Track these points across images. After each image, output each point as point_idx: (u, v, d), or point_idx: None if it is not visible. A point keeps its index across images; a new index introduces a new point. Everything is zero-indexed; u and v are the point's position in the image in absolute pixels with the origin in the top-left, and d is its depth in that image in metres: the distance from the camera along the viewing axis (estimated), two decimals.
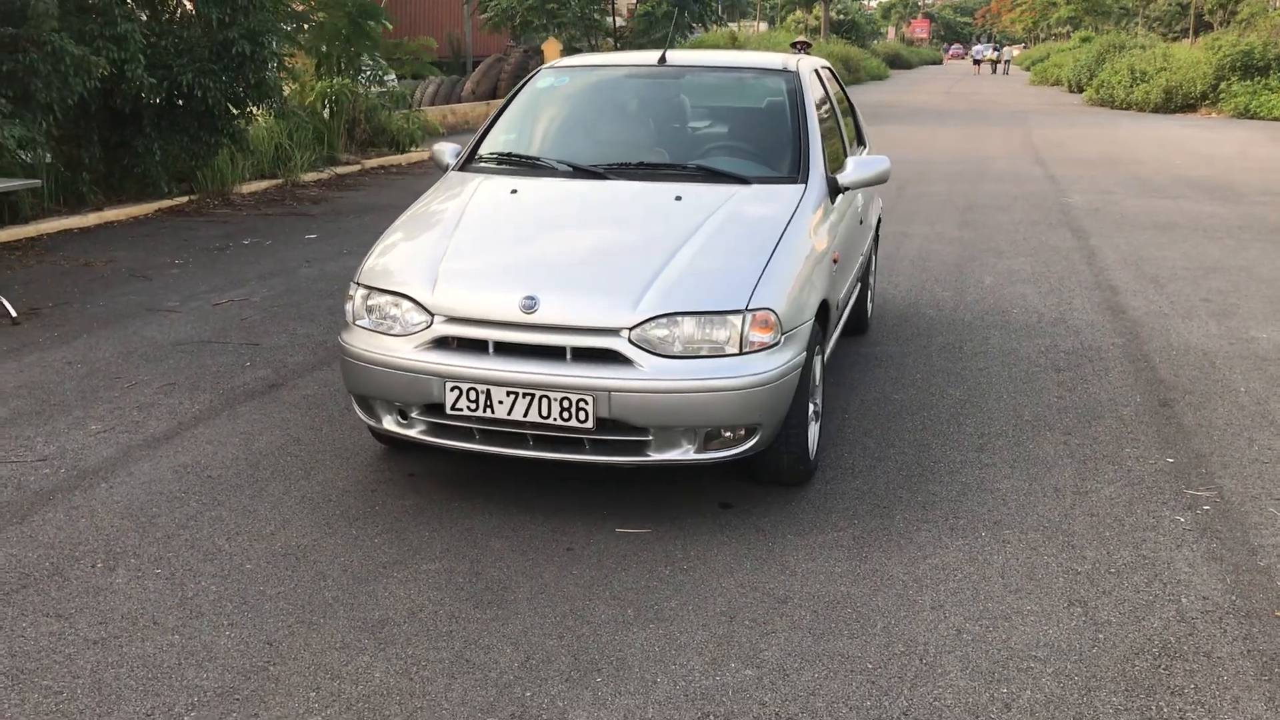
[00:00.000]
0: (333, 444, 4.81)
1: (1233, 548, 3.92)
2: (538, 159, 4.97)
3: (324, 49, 14.37)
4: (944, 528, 4.05)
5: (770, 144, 4.99)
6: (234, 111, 11.19)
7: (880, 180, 4.92)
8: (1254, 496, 4.35)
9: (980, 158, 17.05)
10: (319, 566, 3.73)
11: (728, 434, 3.95)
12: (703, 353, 3.85)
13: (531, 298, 3.87)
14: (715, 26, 34.27)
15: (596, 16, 27.46)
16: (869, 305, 6.72)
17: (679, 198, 4.46)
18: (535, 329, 3.86)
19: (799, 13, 64.02)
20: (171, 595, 3.54)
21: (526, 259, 4.15)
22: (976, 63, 70.15)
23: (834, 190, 4.83)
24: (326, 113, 14.79)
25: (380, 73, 15.50)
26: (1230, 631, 3.36)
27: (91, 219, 10.52)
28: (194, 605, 3.48)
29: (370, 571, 3.70)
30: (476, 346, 3.93)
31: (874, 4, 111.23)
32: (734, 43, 32.55)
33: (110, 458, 4.66)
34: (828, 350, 4.92)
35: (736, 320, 3.85)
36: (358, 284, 4.22)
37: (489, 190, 4.74)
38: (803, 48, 19.97)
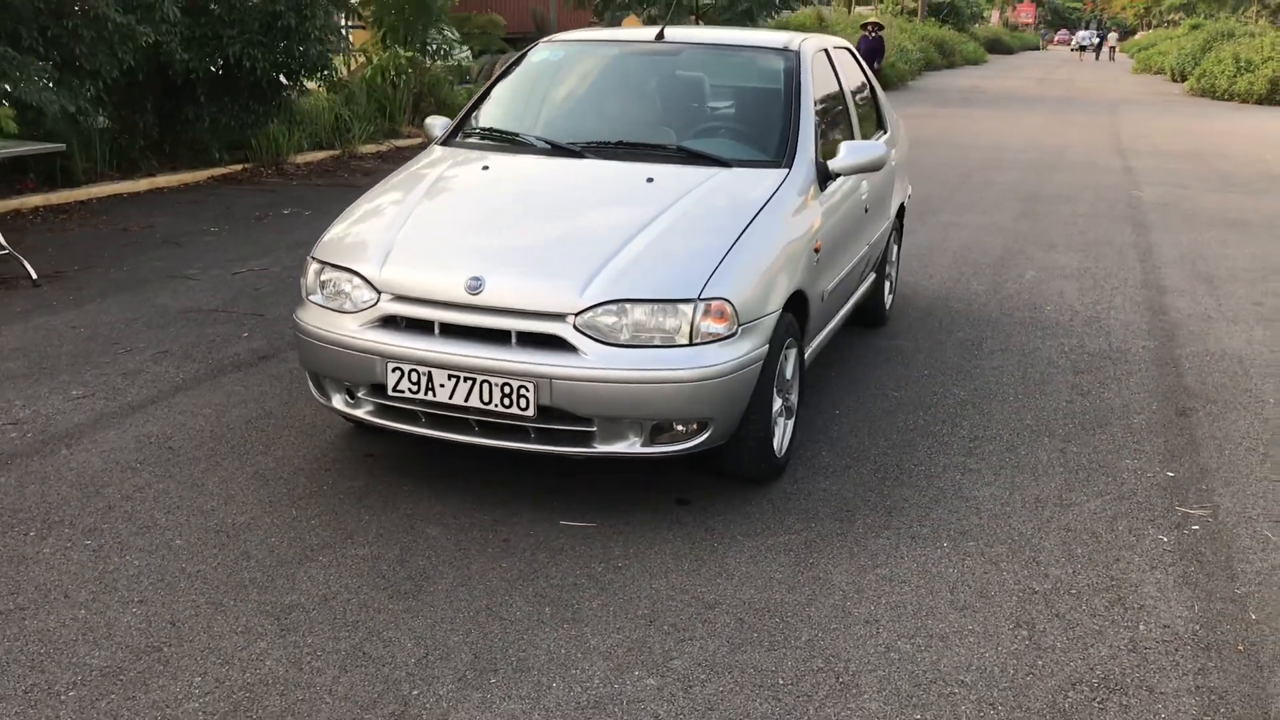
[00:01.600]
0: (301, 420, 4.74)
1: (1212, 573, 3.64)
2: (517, 135, 4.83)
3: (386, 22, 14.35)
4: (904, 536, 3.84)
5: (760, 125, 4.78)
6: (284, 83, 11.23)
7: (874, 167, 4.68)
8: (1250, 518, 4.05)
9: (1057, 147, 16.47)
10: (247, 546, 3.66)
11: (679, 428, 3.79)
12: (655, 342, 3.69)
13: (478, 278, 3.74)
14: (802, 6, 33.68)
15: None
16: (888, 297, 6.47)
17: (650, 179, 4.29)
18: (480, 311, 3.73)
19: None
20: (92, 568, 3.49)
21: (479, 239, 4.01)
22: (1083, 49, 68.19)
23: (824, 176, 4.60)
24: (390, 86, 14.80)
25: (447, 47, 15.45)
26: (1183, 665, 3.11)
27: (143, 184, 10.66)
28: (110, 580, 3.43)
29: (297, 554, 3.62)
30: (423, 327, 3.82)
31: None
32: (820, 24, 31.90)
33: (80, 424, 4.66)
34: (814, 343, 4.72)
35: (688, 309, 3.68)
36: (313, 258, 4.13)
37: (460, 167, 4.62)
38: (874, 29, 19.60)
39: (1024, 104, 26.03)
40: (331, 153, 13.21)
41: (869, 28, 20.15)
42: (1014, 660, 3.12)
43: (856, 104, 5.62)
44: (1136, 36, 79.15)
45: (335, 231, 4.23)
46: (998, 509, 4.07)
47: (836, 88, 5.34)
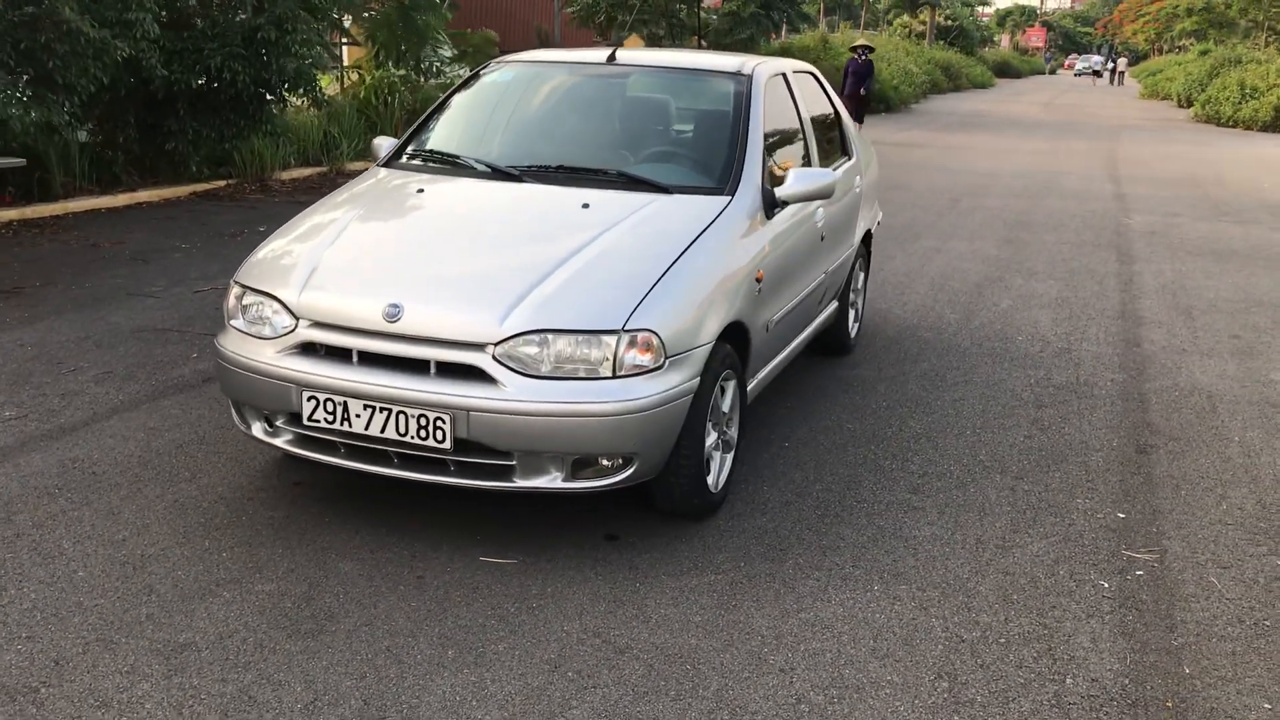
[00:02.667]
0: (233, 446, 4.63)
1: (1150, 622, 3.50)
2: (458, 158, 4.72)
3: (379, 39, 14.31)
4: (834, 577, 3.70)
5: (705, 150, 4.67)
6: (268, 97, 11.17)
7: (822, 195, 4.56)
8: (1199, 563, 3.91)
9: (1052, 173, 16.34)
10: (150, 580, 3.54)
11: (604, 462, 3.67)
12: (579, 374, 3.57)
13: (396, 305, 3.63)
14: (806, 29, 33.68)
15: (682, 16, 27.11)
16: (853, 326, 6.34)
17: (586, 205, 4.18)
18: (398, 339, 3.62)
19: (905, 17, 62.76)
20: None
21: (402, 265, 3.90)
22: (1095, 74, 68.21)
23: (771, 203, 4.49)
24: (382, 104, 14.75)
25: (439, 64, 15.40)
26: None
27: (122, 199, 10.60)
28: (1, 613, 3.31)
29: (200, 588, 3.49)
30: (342, 355, 3.71)
31: (990, 10, 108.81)
32: (824, 46, 31.86)
33: (5, 447, 4.55)
34: (759, 375, 4.60)
35: (611, 341, 3.56)
36: (234, 281, 4.02)
37: (393, 190, 4.52)
38: (863, 51, 19.38)
39: (1024, 129, 25.93)
40: (319, 169, 13.15)
41: (858, 50, 19.41)
42: (930, 715, 2.98)
43: (817, 130, 5.50)
44: (1147, 61, 79.03)
45: (259, 255, 4.13)
46: (936, 550, 3.93)
47: (793, 113, 5.23)
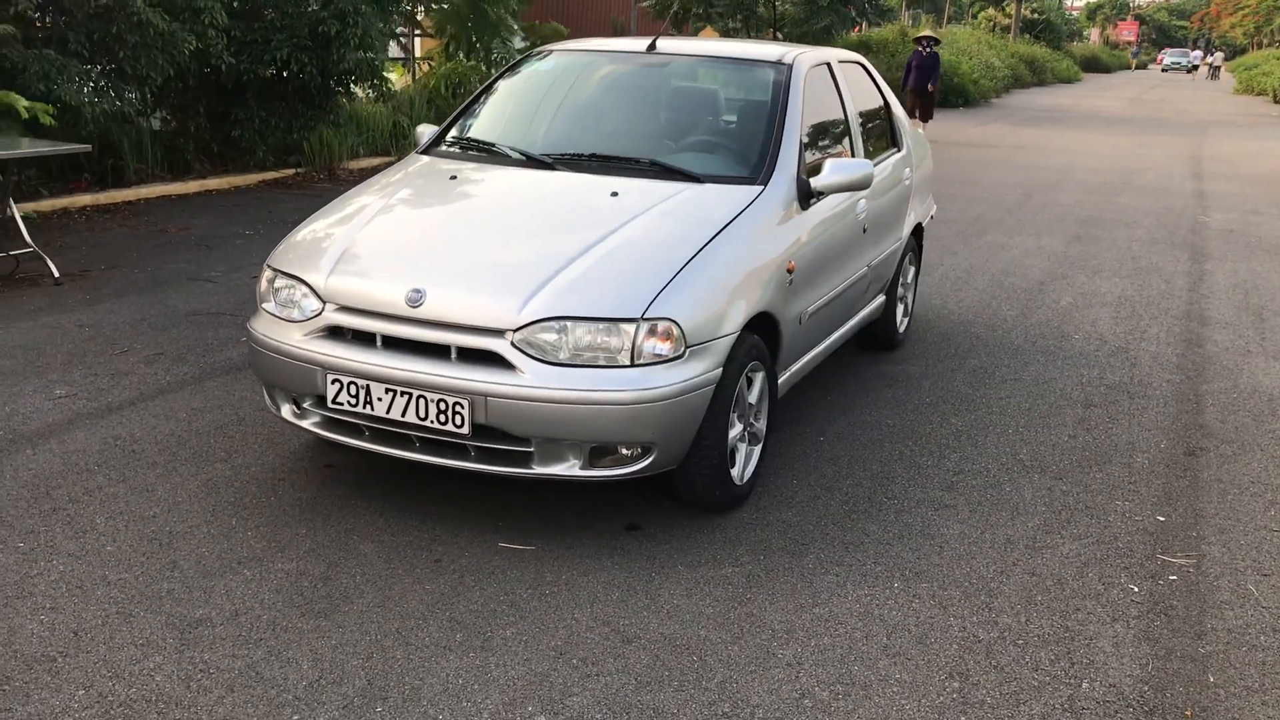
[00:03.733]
0: (269, 428, 4.70)
1: (1178, 629, 3.39)
2: (493, 146, 4.74)
3: (450, 31, 14.45)
4: (854, 573, 3.65)
5: (740, 140, 4.63)
6: (337, 89, 11.34)
7: (860, 186, 4.49)
8: (1237, 569, 3.78)
9: (1131, 169, 15.94)
10: (175, 555, 3.61)
11: (623, 451, 3.65)
12: (597, 362, 3.56)
13: (419, 290, 3.65)
14: (884, 22, 33.27)
15: (758, 10, 26.94)
16: (902, 320, 6.25)
17: (615, 194, 4.16)
18: (420, 324, 3.64)
19: (990, 10, 61.68)
20: (15, 572, 3.47)
21: (427, 251, 3.92)
22: (1191, 70, 66.68)
23: (806, 194, 4.43)
24: (451, 95, 14.89)
25: (508, 56, 15.50)
26: None
27: (193, 186, 10.84)
28: (29, 585, 3.40)
29: (222, 566, 3.55)
30: (367, 339, 3.75)
31: (1079, 4, 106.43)
32: (904, 39, 31.42)
33: (53, 424, 4.67)
34: (793, 368, 4.55)
35: (630, 329, 3.54)
36: (267, 265, 4.08)
37: (427, 176, 4.55)
38: (928, 43, 18.34)
39: (1107, 124, 25.32)
40: (387, 159, 13.29)
41: (922, 41, 18.10)
42: (936, 715, 2.92)
43: (863, 120, 5.42)
44: (1244, 56, 76.69)
45: (293, 239, 4.18)
46: (963, 549, 3.86)
47: (836, 103, 5.15)
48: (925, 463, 4.63)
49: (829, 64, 5.23)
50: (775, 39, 25.98)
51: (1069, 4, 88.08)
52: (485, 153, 4.74)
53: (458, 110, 5.13)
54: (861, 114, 5.43)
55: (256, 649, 3.11)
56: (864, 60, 5.93)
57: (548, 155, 4.53)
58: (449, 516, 3.93)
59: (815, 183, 4.43)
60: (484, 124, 5.00)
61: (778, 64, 4.88)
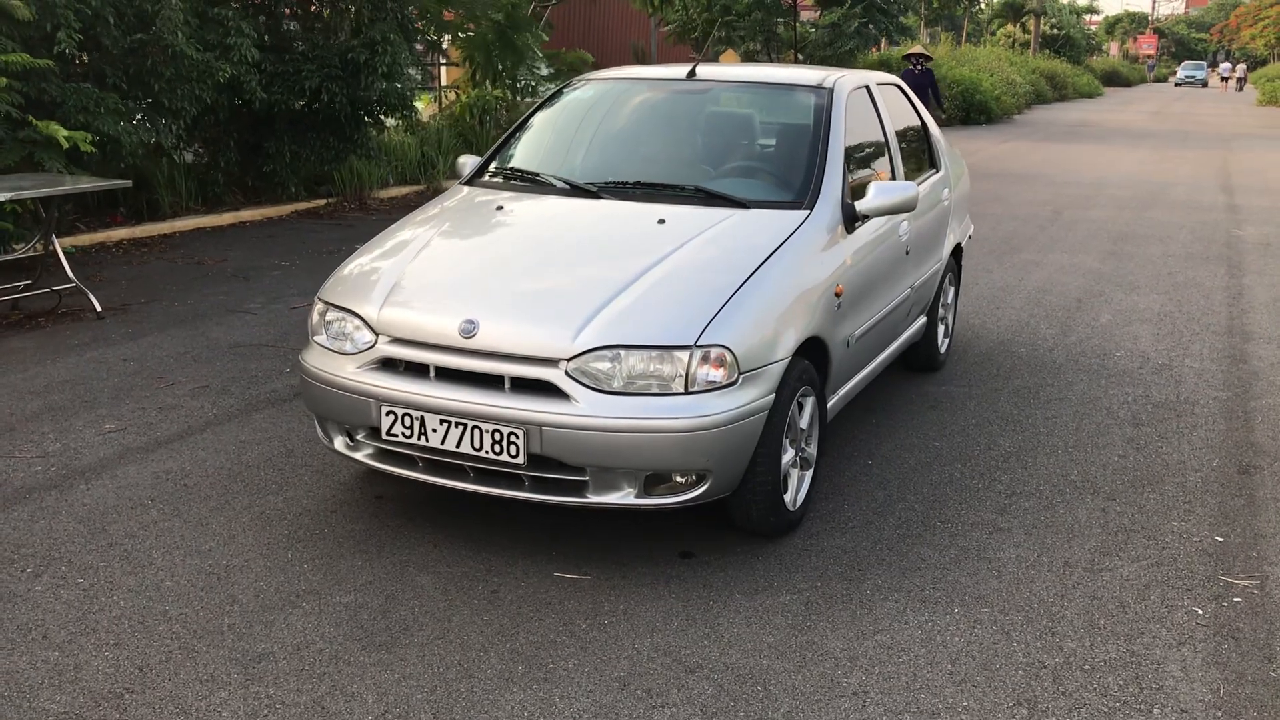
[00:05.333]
0: (320, 460, 4.72)
1: (1247, 651, 3.35)
2: (538, 175, 4.76)
3: (476, 59, 14.55)
4: (914, 599, 3.62)
5: (785, 165, 4.63)
6: (367, 120, 11.44)
7: (904, 208, 4.49)
8: None
9: (1160, 183, 15.86)
10: (234, 590, 3.62)
11: (678, 479, 3.65)
12: (651, 390, 3.56)
13: (471, 321, 3.67)
14: (905, 41, 33.28)
15: (779, 31, 27.01)
16: (943, 341, 6.22)
17: (662, 221, 4.17)
18: (473, 355, 3.65)
19: (1009, 26, 61.68)
20: (76, 608, 3.49)
21: (479, 281, 3.94)
22: (1221, 81, 66.64)
23: (851, 217, 4.43)
24: (477, 123, 14.98)
25: (533, 84, 15.60)
26: None
27: (227, 218, 10.93)
28: (91, 620, 3.41)
29: (281, 599, 3.56)
30: (420, 370, 3.76)
31: (1097, 18, 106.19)
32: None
33: (105, 458, 4.70)
34: (841, 391, 4.53)
35: (684, 356, 3.54)
36: (318, 299, 4.11)
37: (473, 207, 4.57)
38: (919, 60, 17.44)
39: (1132, 138, 25.22)
40: (416, 188, 13.41)
41: (913, 59, 16.08)
42: None
43: (902, 142, 5.42)
44: (1266, 67, 76.36)
45: (342, 272, 4.21)
46: (1021, 572, 3.82)
47: (876, 125, 5.16)
48: (976, 485, 4.60)
49: (868, 87, 5.24)
50: (796, 61, 26.03)
51: (1087, 18, 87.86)
52: (530, 182, 4.76)
53: (499, 141, 5.16)
54: (900, 135, 5.43)
55: (320, 683, 3.11)
56: (900, 81, 5.93)
57: (593, 184, 4.54)
58: (501, 546, 3.93)
59: (861, 206, 4.43)
60: (526, 154, 5.03)
61: (819, 88, 4.89)
